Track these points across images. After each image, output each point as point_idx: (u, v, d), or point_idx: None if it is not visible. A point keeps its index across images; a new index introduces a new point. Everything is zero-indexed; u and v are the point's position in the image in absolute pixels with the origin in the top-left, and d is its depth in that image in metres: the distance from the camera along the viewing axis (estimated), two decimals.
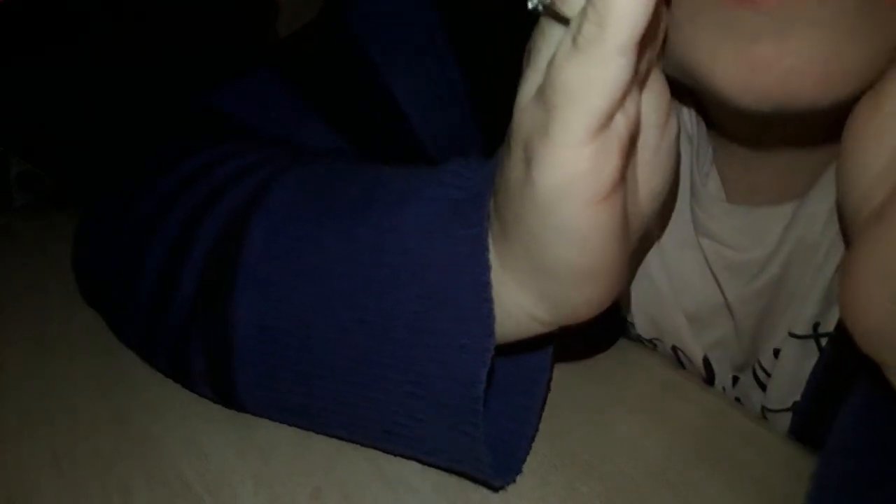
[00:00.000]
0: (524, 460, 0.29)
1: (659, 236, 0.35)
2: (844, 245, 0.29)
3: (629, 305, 0.38)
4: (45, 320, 0.41)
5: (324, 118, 0.37)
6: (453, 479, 0.28)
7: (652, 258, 0.35)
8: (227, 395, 0.30)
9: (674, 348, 0.37)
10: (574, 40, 0.18)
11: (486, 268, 0.23)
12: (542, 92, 0.19)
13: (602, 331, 0.37)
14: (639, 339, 0.39)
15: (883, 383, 0.20)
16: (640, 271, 0.36)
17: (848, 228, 0.22)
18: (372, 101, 0.36)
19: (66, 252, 0.51)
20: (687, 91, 0.32)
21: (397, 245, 0.25)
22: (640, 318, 0.37)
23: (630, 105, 0.20)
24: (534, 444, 0.31)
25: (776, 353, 0.33)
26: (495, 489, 0.28)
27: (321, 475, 0.29)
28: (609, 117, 0.19)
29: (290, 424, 0.31)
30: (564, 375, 0.36)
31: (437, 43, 0.35)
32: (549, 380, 0.30)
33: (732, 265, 0.33)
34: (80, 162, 0.67)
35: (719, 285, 0.34)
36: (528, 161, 0.20)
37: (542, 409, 0.30)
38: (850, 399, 0.24)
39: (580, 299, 0.23)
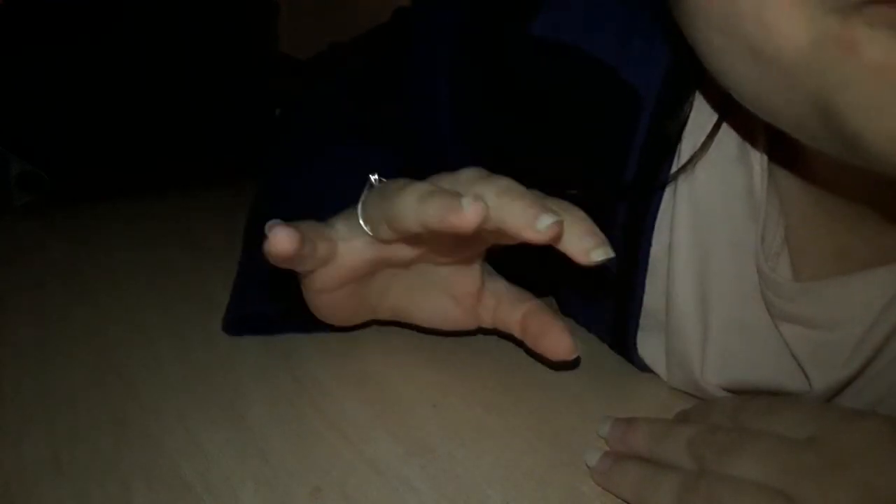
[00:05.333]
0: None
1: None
2: None
3: None
4: (44, 320, 0.41)
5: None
6: (453, 479, 0.28)
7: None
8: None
9: None
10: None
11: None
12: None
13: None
14: None
15: None
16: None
17: None
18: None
19: (66, 252, 0.51)
20: (763, 163, 0.31)
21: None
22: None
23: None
24: (533, 444, 0.31)
25: None
26: (495, 489, 0.28)
27: (321, 475, 0.29)
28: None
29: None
30: (564, 377, 0.36)
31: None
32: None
33: (822, 348, 0.30)
34: (79, 161, 0.67)
35: (805, 375, 0.31)
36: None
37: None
38: None
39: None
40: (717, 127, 0.32)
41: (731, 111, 0.32)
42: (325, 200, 0.35)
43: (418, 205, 0.28)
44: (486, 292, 0.36)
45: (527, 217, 0.27)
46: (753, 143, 0.31)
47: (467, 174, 0.30)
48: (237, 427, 0.31)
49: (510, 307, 0.36)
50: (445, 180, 0.30)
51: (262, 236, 0.29)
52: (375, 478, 0.28)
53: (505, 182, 0.29)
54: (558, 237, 0.28)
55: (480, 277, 0.36)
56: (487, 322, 0.37)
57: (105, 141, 0.68)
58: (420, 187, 0.29)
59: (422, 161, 0.42)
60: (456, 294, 0.36)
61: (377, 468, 0.29)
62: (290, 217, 0.30)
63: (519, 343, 0.36)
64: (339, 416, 0.32)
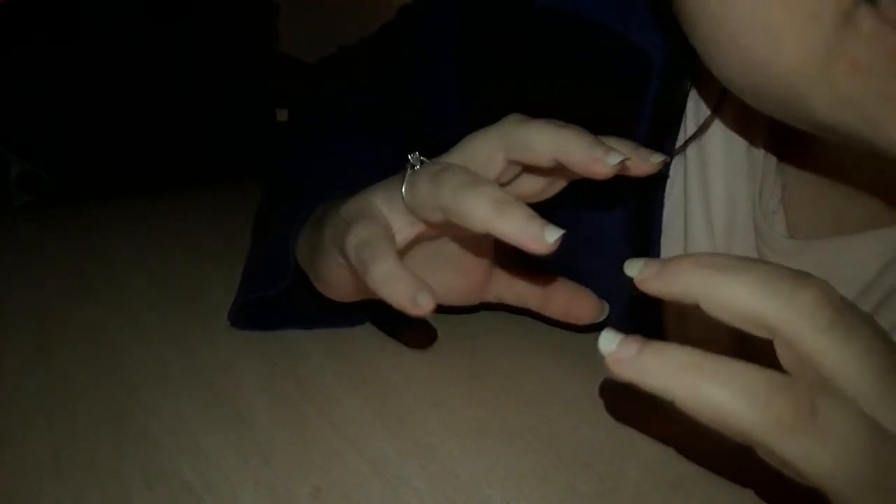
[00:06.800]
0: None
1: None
2: None
3: None
4: (44, 320, 0.41)
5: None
6: (453, 479, 0.29)
7: None
8: None
9: None
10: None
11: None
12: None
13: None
14: None
15: None
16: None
17: None
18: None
19: (65, 252, 0.51)
20: (762, 125, 0.32)
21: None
22: None
23: None
24: (533, 444, 0.31)
25: None
26: (495, 489, 0.28)
27: (321, 475, 0.29)
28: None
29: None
30: (564, 376, 0.36)
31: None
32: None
33: None
34: (79, 161, 0.67)
35: None
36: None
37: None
38: None
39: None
40: (720, 103, 0.32)
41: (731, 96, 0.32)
42: (334, 192, 0.35)
43: (493, 214, 0.26)
44: (497, 268, 0.36)
45: (594, 153, 0.26)
46: (755, 117, 0.32)
47: (512, 118, 0.29)
48: (237, 427, 0.31)
49: (524, 281, 0.36)
50: (492, 130, 0.29)
51: (269, 227, 0.28)
52: (375, 478, 0.28)
53: (554, 121, 0.28)
54: (625, 171, 0.27)
55: (492, 253, 0.35)
56: (492, 296, 0.37)
57: (105, 141, 0.68)
58: (490, 190, 0.27)
59: (429, 149, 0.42)
60: (466, 268, 0.35)
61: (377, 468, 0.29)
62: (296, 208, 0.29)
63: (519, 341, 0.36)
64: (339, 416, 0.32)
